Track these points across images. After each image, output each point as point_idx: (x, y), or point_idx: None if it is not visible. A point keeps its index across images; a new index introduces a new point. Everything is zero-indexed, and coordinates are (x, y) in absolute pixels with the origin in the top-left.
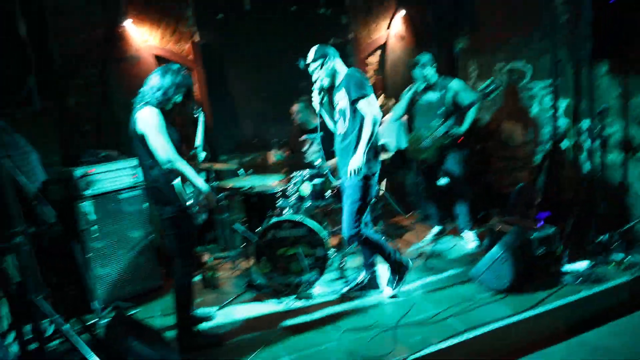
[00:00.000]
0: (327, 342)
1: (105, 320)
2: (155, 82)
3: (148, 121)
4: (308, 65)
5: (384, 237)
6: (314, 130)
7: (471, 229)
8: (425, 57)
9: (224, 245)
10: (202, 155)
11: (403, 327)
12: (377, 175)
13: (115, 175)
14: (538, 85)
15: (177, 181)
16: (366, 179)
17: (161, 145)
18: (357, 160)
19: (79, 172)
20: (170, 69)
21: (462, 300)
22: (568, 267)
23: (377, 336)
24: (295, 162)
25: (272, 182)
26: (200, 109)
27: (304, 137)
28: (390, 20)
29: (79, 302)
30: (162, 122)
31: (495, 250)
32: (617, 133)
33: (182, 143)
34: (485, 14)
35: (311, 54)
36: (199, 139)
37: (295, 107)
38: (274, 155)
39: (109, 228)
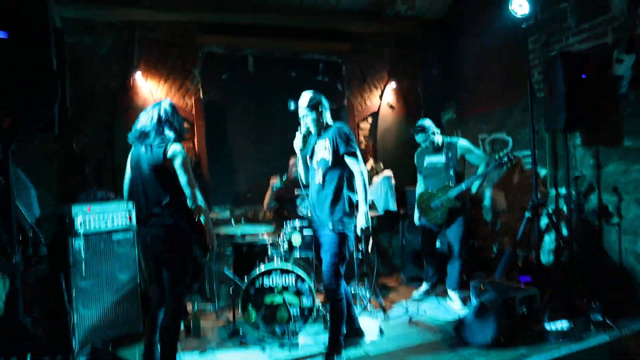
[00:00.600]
0: None
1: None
2: (164, 114)
3: (183, 157)
4: (297, 108)
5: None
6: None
7: (457, 290)
8: (427, 122)
9: (209, 296)
10: None
11: None
12: (352, 232)
13: (110, 216)
14: (519, 155)
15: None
16: (343, 236)
17: (193, 184)
18: (363, 219)
19: (75, 209)
20: (167, 101)
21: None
22: (549, 326)
23: None
24: (285, 214)
25: (262, 232)
26: None
27: (297, 192)
28: (383, 90)
29: (59, 339)
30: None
31: (479, 307)
32: (592, 200)
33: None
34: (471, 88)
35: (306, 97)
36: None
37: (293, 161)
38: (276, 182)
39: (97, 267)
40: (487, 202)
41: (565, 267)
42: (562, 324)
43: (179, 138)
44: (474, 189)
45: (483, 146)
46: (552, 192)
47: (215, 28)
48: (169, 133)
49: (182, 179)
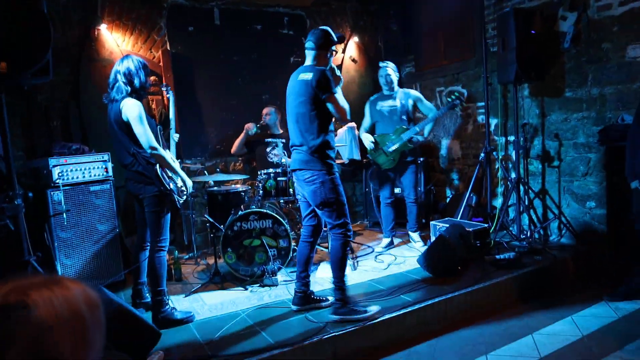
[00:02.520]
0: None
1: None
2: (126, 70)
3: (133, 110)
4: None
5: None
6: (277, 135)
7: (417, 231)
8: (392, 64)
9: (187, 244)
10: (176, 137)
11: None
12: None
13: (87, 168)
14: (473, 106)
15: (157, 166)
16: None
17: (144, 133)
18: None
19: (52, 162)
20: (130, 57)
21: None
22: (498, 257)
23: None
24: (253, 163)
25: (237, 180)
26: (169, 87)
27: (268, 140)
28: (345, 45)
29: None
30: (144, 111)
31: (439, 240)
32: (537, 146)
33: (161, 132)
34: (429, 43)
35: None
36: (171, 121)
37: (267, 110)
38: (251, 128)
39: (77, 219)
40: (443, 151)
41: (512, 206)
42: (508, 254)
43: (139, 92)
44: (426, 132)
45: (440, 98)
46: (502, 139)
47: None
48: (125, 87)
49: (136, 130)
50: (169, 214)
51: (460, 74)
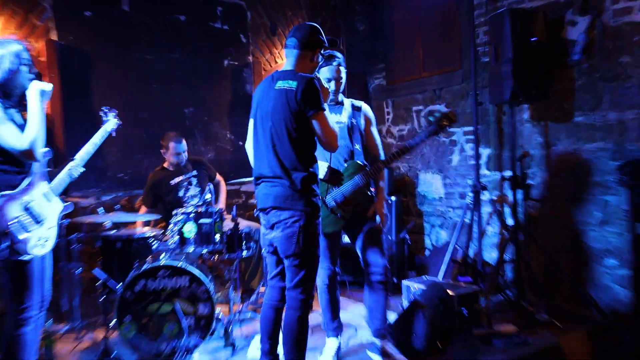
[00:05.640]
0: None
1: None
2: None
3: None
4: None
5: None
6: (184, 170)
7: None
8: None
9: (66, 311)
10: (78, 171)
11: None
12: None
13: None
14: (459, 131)
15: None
16: None
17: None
18: None
19: None
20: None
21: None
22: (492, 330)
23: None
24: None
25: (144, 221)
26: (116, 113)
27: (178, 179)
28: None
29: None
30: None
31: (412, 306)
32: (541, 184)
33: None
34: (404, 49)
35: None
36: (86, 149)
37: (174, 145)
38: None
39: None
40: (421, 187)
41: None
42: (506, 327)
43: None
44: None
45: (417, 120)
46: (496, 175)
47: None
48: None
49: None
50: (34, 270)
51: (443, 90)
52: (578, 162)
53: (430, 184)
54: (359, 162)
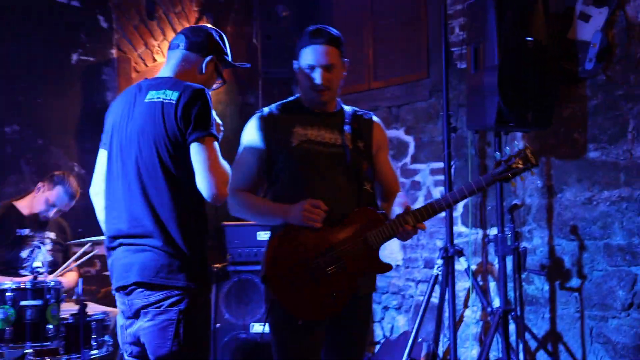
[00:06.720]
0: None
1: None
2: None
3: None
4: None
5: None
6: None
7: None
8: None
9: None
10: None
11: None
12: None
13: None
14: (425, 169)
15: None
16: None
17: None
18: None
19: None
20: None
21: None
22: None
23: None
24: None
25: None
26: None
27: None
28: None
29: None
30: None
31: None
32: (540, 249)
33: None
34: (347, 48)
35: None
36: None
37: (54, 194)
38: None
39: None
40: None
41: None
42: None
43: None
44: None
45: None
46: (477, 233)
47: None
48: None
49: None
50: None
51: (401, 108)
52: (593, 217)
53: (383, 247)
54: (373, 209)
